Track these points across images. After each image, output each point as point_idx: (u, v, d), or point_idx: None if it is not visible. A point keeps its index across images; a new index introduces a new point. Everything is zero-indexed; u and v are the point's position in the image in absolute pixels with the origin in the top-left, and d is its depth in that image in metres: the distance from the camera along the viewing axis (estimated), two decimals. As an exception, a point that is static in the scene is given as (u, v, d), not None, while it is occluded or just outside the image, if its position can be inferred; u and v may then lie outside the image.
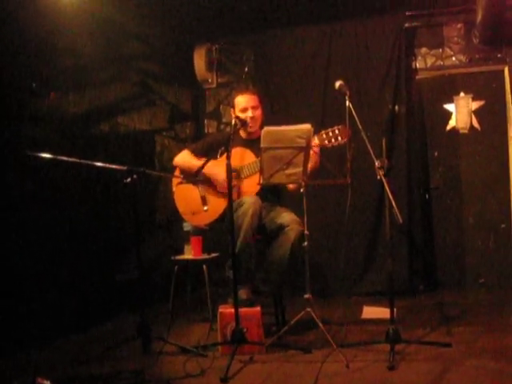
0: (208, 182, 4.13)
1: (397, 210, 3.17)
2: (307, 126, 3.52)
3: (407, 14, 5.53)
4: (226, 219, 3.90)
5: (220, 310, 3.70)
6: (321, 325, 3.47)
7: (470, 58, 5.58)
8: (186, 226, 4.54)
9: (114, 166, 3.64)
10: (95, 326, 4.41)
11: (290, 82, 5.80)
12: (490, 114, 5.54)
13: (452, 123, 5.64)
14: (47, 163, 3.65)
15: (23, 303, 3.79)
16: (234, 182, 3.92)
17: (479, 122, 5.57)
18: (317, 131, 3.78)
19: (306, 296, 3.59)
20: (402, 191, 5.38)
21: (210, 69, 6.06)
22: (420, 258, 5.54)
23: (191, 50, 5.98)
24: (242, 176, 4.06)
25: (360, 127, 3.50)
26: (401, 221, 3.16)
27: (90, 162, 3.64)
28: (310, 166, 3.66)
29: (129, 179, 3.62)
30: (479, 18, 4.93)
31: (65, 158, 3.52)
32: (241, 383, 3.08)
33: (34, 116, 4.09)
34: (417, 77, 5.72)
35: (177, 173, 4.27)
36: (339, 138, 3.81)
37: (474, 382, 2.92)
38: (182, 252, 4.63)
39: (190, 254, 4.54)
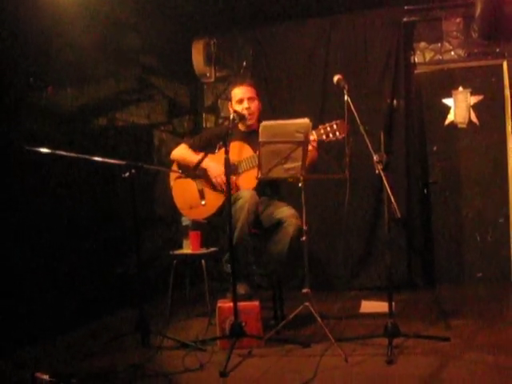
0: (206, 176, 4.12)
1: (395, 205, 3.17)
2: (306, 121, 3.51)
3: (406, 8, 5.52)
4: (224, 213, 3.90)
5: (219, 304, 3.70)
6: (319, 319, 3.47)
7: (469, 53, 5.57)
8: (185, 221, 4.55)
9: (112, 161, 3.64)
10: (94, 320, 4.42)
11: (289, 76, 5.80)
12: (489, 109, 5.53)
13: (450, 118, 5.64)
14: (45, 158, 3.64)
15: (21, 299, 3.78)
16: (232, 178, 3.92)
17: (478, 117, 5.57)
18: (315, 125, 3.77)
19: (305, 290, 3.59)
20: (400, 186, 5.38)
21: (208, 63, 6.04)
22: (418, 253, 5.55)
23: (189, 44, 5.96)
24: (240, 171, 4.05)
25: (358, 121, 3.49)
26: (399, 215, 3.16)
27: (88, 157, 3.63)
28: (307, 160, 3.65)
29: (127, 173, 3.62)
30: (478, 12, 4.92)
31: (63, 153, 3.51)
32: (239, 377, 3.08)
33: (32, 110, 4.08)
34: (415, 71, 5.71)
35: (174, 167, 4.27)
36: (337, 133, 3.79)
37: (472, 375, 2.93)
38: (180, 246, 4.63)
39: (188, 248, 4.54)
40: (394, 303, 3.47)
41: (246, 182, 4.01)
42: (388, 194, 3.28)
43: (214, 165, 4.05)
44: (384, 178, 3.31)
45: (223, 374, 3.06)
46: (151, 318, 3.81)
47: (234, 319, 3.42)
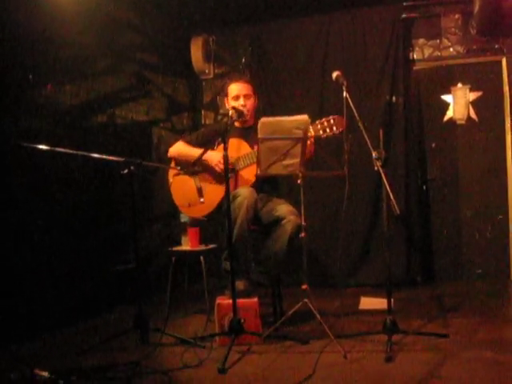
0: (205, 170, 4.11)
1: (394, 201, 3.17)
2: (304, 117, 3.50)
3: (405, 4, 5.52)
4: (223, 210, 3.90)
5: (217, 300, 3.70)
6: (318, 316, 3.48)
7: (468, 49, 5.57)
8: (184, 217, 4.54)
9: (111, 158, 3.63)
10: (93, 317, 4.42)
11: (288, 73, 5.79)
12: (488, 105, 5.53)
13: (449, 114, 5.63)
14: (44, 155, 3.64)
15: (20, 296, 3.78)
16: (230, 174, 3.91)
17: (477, 113, 5.57)
18: (313, 122, 3.77)
19: (304, 287, 3.59)
20: (399, 182, 5.39)
21: (207, 60, 6.03)
22: (417, 249, 5.55)
23: (188, 40, 5.96)
24: (238, 168, 4.04)
25: (357, 118, 3.49)
26: (398, 212, 3.15)
27: (86, 154, 3.62)
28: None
29: (126, 170, 3.62)
30: (477, 8, 4.92)
31: (62, 150, 3.51)
32: (238, 374, 3.08)
33: (30, 108, 4.07)
34: (414, 68, 5.70)
35: (173, 164, 4.26)
36: (334, 128, 3.76)
37: (471, 372, 2.93)
38: (179, 243, 4.63)
39: (187, 245, 4.53)
40: (393, 300, 3.48)
41: (245, 179, 4.01)
42: (387, 191, 3.27)
43: (213, 153, 4.06)
44: (383, 174, 3.31)
45: (222, 371, 3.07)
46: (150, 314, 3.81)
47: (233, 316, 3.41)
